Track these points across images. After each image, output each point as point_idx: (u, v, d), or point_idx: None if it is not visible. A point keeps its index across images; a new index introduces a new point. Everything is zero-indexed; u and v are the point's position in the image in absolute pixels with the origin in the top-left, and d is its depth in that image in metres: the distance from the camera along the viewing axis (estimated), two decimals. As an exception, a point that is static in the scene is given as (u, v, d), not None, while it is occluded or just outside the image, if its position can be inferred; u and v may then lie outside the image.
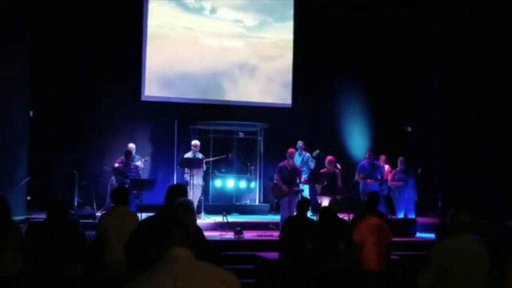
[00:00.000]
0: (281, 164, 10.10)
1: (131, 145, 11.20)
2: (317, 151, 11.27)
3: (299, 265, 6.35)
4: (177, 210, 3.74)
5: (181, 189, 4.40)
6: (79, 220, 9.12)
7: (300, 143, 11.57)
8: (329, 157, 10.64)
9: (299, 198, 9.69)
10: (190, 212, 3.81)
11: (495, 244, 4.30)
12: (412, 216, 10.69)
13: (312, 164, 11.22)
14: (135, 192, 9.79)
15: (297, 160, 11.39)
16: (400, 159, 11.01)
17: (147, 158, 11.33)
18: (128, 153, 10.82)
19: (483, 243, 3.96)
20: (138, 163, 10.93)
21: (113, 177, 10.97)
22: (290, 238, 6.71)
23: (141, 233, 4.09)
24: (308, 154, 11.46)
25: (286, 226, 7.05)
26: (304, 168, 11.05)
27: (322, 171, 10.69)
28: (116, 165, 10.90)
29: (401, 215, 10.78)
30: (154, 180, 10.69)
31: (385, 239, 6.17)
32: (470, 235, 3.85)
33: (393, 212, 10.97)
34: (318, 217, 7.33)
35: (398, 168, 11.01)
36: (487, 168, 10.97)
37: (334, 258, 6.10)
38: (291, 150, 10.22)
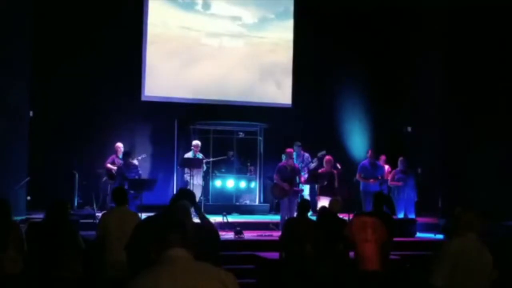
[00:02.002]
0: (280, 164, 10.11)
1: (119, 144, 11.16)
2: (323, 152, 11.05)
3: (299, 265, 6.37)
4: (174, 213, 3.75)
5: (189, 194, 4.37)
6: (79, 220, 9.12)
7: (297, 144, 11.45)
8: (327, 157, 10.62)
9: (299, 198, 9.70)
10: (187, 216, 3.82)
11: (495, 244, 4.33)
12: (412, 216, 10.70)
13: (312, 165, 11.16)
14: (132, 192, 9.73)
15: (296, 161, 11.34)
16: (400, 159, 11.01)
17: (143, 156, 11.30)
18: (126, 154, 10.79)
19: (484, 243, 3.98)
20: (134, 161, 10.88)
21: (105, 178, 10.93)
22: (290, 239, 6.72)
23: (142, 233, 4.08)
24: (307, 155, 11.42)
25: (286, 227, 7.08)
26: (306, 169, 11.01)
27: (320, 171, 10.68)
28: (109, 165, 10.87)
29: (401, 215, 10.79)
30: (155, 180, 10.68)
31: (380, 237, 6.15)
32: (475, 235, 3.89)
33: (393, 212, 10.96)
34: (316, 217, 7.34)
35: (398, 168, 11.02)
36: (487, 168, 10.95)
37: (333, 258, 6.13)
38: (289, 150, 10.22)
